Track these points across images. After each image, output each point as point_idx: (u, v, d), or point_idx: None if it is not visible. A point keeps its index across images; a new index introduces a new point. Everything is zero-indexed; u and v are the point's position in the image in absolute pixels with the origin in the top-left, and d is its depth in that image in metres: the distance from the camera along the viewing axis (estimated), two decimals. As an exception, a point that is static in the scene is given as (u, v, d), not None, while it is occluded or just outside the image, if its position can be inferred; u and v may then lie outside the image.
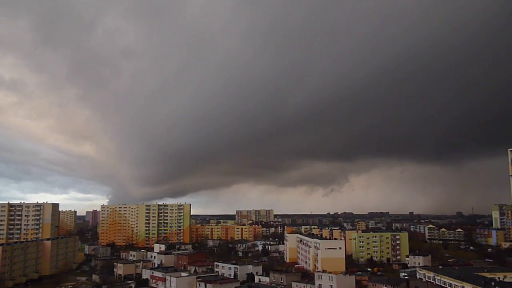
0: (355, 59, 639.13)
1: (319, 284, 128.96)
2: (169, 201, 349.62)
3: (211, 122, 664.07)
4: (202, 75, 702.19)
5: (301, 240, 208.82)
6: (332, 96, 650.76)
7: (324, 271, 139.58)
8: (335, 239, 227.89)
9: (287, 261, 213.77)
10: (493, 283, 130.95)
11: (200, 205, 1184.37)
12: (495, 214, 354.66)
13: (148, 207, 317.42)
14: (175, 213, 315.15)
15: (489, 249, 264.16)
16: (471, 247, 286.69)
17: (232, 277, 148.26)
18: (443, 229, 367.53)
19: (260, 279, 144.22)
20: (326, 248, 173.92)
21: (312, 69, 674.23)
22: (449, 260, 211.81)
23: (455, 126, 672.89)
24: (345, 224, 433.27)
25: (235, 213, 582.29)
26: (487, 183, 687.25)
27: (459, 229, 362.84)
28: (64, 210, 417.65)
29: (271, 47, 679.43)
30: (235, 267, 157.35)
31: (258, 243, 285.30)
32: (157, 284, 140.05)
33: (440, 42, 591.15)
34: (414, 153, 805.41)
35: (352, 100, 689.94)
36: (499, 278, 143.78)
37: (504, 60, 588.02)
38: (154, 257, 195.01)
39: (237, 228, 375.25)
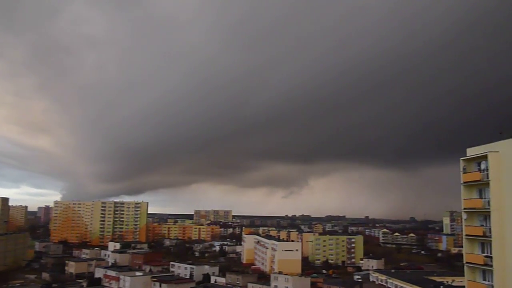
0: (323, 63, 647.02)
1: (275, 286, 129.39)
2: (126, 198, 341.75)
3: (172, 118, 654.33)
4: (167, 68, 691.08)
5: (258, 242, 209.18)
6: (296, 99, 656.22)
7: (280, 272, 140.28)
8: (292, 241, 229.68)
9: (244, 262, 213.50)
10: (441, 287, 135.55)
11: (158, 203, 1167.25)
12: (446, 220, 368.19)
13: (103, 205, 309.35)
14: (132, 211, 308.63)
15: (439, 254, 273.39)
16: (423, 252, 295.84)
17: (188, 277, 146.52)
18: (396, 234, 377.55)
19: (216, 279, 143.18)
20: (283, 250, 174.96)
21: (278, 69, 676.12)
22: (402, 263, 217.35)
23: (414, 133, 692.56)
24: (302, 227, 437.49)
25: (193, 213, 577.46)
26: (440, 190, 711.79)
27: (411, 234, 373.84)
28: (14, 205, 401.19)
29: (239, 44, 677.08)
30: (191, 267, 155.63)
31: (216, 243, 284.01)
32: (111, 284, 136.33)
33: (409, 52, 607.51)
34: (373, 158, 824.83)
35: (315, 104, 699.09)
36: (447, 282, 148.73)
37: (469, 71, 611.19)
38: (108, 255, 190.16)
39: (194, 228, 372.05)
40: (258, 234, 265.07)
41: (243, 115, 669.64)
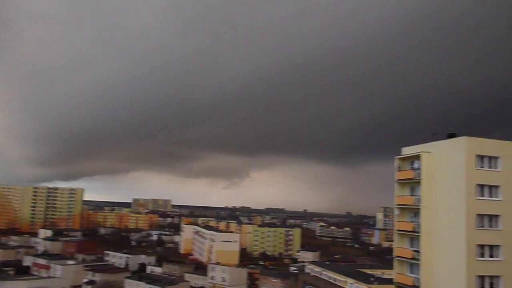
0: (273, 56, 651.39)
1: (212, 276, 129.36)
2: (61, 184, 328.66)
3: (115, 103, 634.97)
4: (113, 51, 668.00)
5: (197, 232, 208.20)
6: (243, 90, 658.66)
7: (218, 263, 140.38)
8: (231, 232, 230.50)
9: (182, 252, 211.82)
10: (372, 279, 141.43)
11: (95, 190, 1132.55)
12: (380, 216, 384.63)
13: (35, 190, 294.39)
14: (66, 197, 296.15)
15: (372, 248, 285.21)
16: (356, 245, 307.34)
17: (123, 266, 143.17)
18: (333, 227, 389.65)
19: (152, 269, 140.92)
20: (221, 241, 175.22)
21: (225, 60, 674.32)
22: (336, 256, 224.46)
23: (355, 132, 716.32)
24: (242, 218, 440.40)
25: (131, 201, 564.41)
26: (377, 187, 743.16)
27: (347, 228, 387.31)
28: None
29: (188, 33, 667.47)
30: (126, 257, 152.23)
31: (153, 233, 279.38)
32: (40, 272, 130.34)
33: (349, 46, 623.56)
34: (315, 154, 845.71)
35: (262, 96, 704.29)
36: (378, 274, 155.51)
37: (405, 71, 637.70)
38: (39, 243, 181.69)
39: (132, 217, 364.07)
40: (197, 225, 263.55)
41: (188, 104, 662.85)
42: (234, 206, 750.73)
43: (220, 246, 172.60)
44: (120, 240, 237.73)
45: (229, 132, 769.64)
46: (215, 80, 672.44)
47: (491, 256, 42.76)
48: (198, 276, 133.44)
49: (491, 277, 42.41)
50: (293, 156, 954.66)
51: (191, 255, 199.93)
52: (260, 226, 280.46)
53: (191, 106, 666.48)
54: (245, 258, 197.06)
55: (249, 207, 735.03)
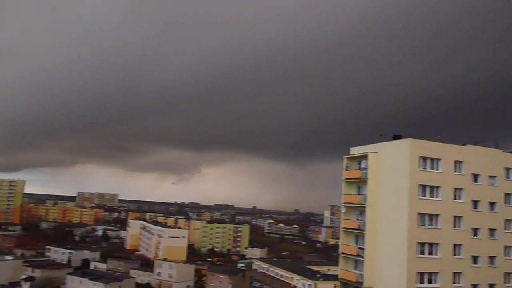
0: (225, 52, 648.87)
1: (158, 272, 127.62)
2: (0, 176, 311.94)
3: (60, 93, 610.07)
4: (57, 37, 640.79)
5: (144, 227, 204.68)
6: (194, 84, 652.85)
7: (165, 259, 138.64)
8: (180, 228, 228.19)
9: (128, 248, 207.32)
10: (318, 275, 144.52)
11: (37, 183, 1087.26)
12: (327, 214, 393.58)
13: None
14: (5, 189, 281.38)
15: (318, 245, 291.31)
16: (304, 242, 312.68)
17: (65, 262, 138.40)
18: (281, 224, 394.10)
19: (96, 265, 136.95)
20: (169, 237, 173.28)
21: (177, 51, 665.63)
22: (283, 253, 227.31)
23: (304, 128, 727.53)
24: (191, 214, 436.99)
25: (76, 195, 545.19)
26: (325, 185, 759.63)
27: (295, 225, 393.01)
28: None
29: (137, 21, 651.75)
30: (69, 252, 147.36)
31: (99, 228, 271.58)
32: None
33: (303, 42, 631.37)
34: (266, 151, 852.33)
35: (214, 91, 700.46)
36: (323, 270, 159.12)
37: (358, 72, 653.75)
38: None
39: (76, 211, 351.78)
40: (145, 220, 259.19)
41: (137, 96, 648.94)
42: (183, 202, 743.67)
43: (167, 242, 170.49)
44: (63, 235, 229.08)
45: (180, 127, 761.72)
46: (167, 73, 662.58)
47: (430, 254, 44.67)
48: (144, 272, 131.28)
49: (430, 273, 44.31)
50: (243, 152, 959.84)
51: (138, 251, 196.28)
52: (209, 222, 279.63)
53: (141, 98, 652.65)
54: (193, 254, 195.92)
55: (198, 203, 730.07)
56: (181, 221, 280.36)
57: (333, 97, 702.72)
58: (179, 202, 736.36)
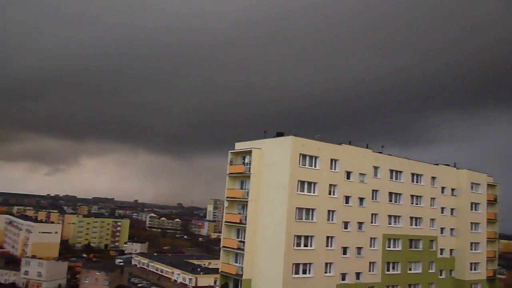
0: (109, 34, 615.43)
1: (25, 271, 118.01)
2: None
3: None
4: None
5: (10, 222, 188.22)
6: (72, 68, 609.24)
7: (34, 256, 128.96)
8: (52, 222, 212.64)
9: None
10: (198, 269, 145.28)
11: None
12: (210, 208, 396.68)
13: None
14: None
15: (200, 239, 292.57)
16: (186, 236, 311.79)
17: None
18: (163, 218, 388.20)
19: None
20: (39, 232, 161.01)
21: (52, 30, 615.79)
22: (165, 247, 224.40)
23: (191, 123, 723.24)
24: (66, 208, 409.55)
25: None
26: (210, 179, 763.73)
27: (177, 219, 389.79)
28: None
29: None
30: None
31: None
32: None
33: (190, 34, 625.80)
34: (149, 143, 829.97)
35: (93, 78, 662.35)
36: (204, 264, 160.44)
37: (247, 68, 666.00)
38: None
39: None
40: (12, 214, 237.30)
41: (4, 78, 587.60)
42: (58, 195, 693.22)
43: (37, 237, 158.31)
44: None
45: (55, 113, 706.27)
46: (39, 54, 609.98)
47: (306, 246, 47.21)
48: (9, 271, 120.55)
49: (305, 264, 46.86)
50: (126, 143, 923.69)
51: (2, 248, 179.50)
52: (85, 216, 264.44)
53: (8, 81, 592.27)
54: (67, 250, 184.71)
55: (75, 196, 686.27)
56: (54, 215, 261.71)
57: (221, 91, 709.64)
58: (52, 195, 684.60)
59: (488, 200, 69.26)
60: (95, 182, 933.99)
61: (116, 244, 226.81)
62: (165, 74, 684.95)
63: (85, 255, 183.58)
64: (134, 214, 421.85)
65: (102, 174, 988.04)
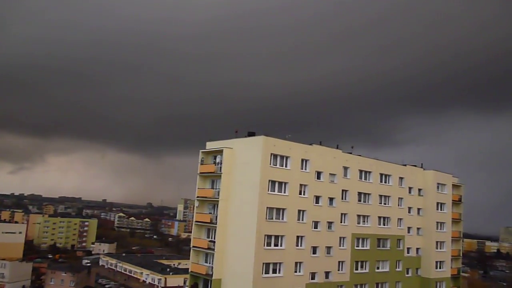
0: (80, 25, 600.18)
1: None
2: None
3: None
4: None
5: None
6: (37, 60, 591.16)
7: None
8: (16, 222, 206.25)
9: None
10: (168, 269, 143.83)
11: None
12: (180, 207, 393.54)
13: None
14: None
15: (170, 239, 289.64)
16: (155, 236, 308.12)
17: None
18: (132, 218, 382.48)
19: None
20: (2, 232, 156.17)
21: (18, 24, 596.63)
22: (134, 247, 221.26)
23: (161, 122, 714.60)
24: (31, 207, 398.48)
25: None
26: (180, 178, 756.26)
27: (147, 219, 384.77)
28: None
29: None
30: None
31: None
32: None
33: (163, 32, 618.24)
34: (117, 141, 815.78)
35: (60, 72, 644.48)
36: (174, 264, 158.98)
37: (219, 67, 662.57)
38: None
39: None
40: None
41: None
42: (22, 194, 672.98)
43: (0, 238, 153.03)
44: None
45: (18, 109, 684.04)
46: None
47: (276, 245, 47.32)
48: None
49: (275, 263, 46.97)
50: (94, 142, 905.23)
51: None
52: (51, 216, 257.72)
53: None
54: (32, 251, 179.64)
55: (40, 195, 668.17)
56: (19, 215, 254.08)
57: (191, 86, 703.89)
58: (17, 194, 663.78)
59: (453, 200, 71.16)
60: (62, 180, 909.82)
61: (83, 244, 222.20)
62: (136, 72, 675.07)
63: (50, 256, 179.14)
64: (102, 213, 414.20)
65: (69, 172, 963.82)
